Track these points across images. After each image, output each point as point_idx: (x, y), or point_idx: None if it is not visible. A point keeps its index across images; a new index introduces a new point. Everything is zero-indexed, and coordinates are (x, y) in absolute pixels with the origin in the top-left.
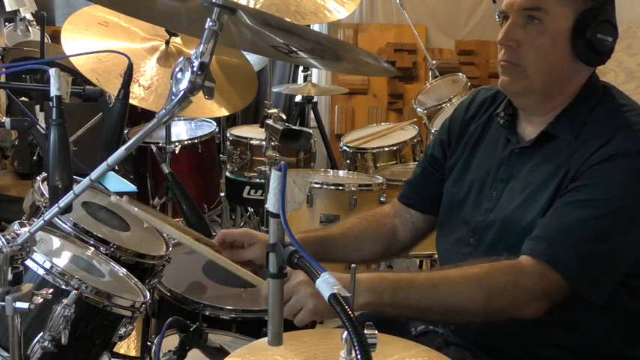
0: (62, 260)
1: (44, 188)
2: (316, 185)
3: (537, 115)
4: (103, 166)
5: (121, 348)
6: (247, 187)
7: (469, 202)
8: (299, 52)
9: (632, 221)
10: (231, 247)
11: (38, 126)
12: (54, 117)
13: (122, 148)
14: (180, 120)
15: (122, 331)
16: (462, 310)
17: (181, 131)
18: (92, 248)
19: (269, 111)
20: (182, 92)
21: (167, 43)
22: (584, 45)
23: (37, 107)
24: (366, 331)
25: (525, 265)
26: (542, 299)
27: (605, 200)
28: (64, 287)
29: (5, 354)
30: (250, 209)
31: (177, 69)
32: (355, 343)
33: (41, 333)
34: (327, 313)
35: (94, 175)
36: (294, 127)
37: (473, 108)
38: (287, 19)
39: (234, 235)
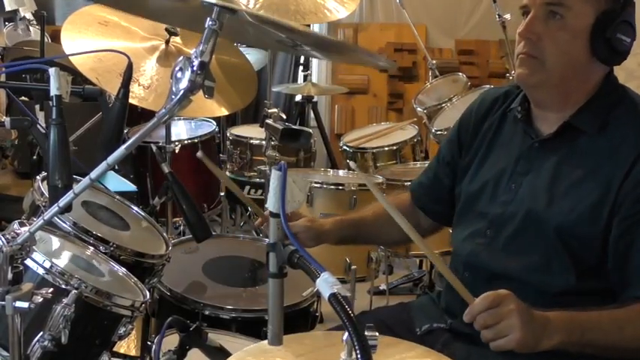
0: (62, 260)
1: (44, 188)
2: (316, 185)
3: (552, 112)
4: (102, 165)
5: (121, 347)
6: (247, 187)
7: (485, 196)
8: (303, 46)
9: None
10: None
11: (38, 125)
12: (54, 116)
13: (122, 148)
14: (180, 119)
15: (122, 330)
16: None
17: (181, 131)
18: (92, 247)
19: (269, 110)
20: (182, 91)
21: (167, 42)
22: (603, 44)
23: (37, 107)
24: (366, 333)
25: None
26: None
27: None
28: (63, 287)
29: (5, 353)
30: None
31: (177, 68)
32: (356, 344)
33: (41, 332)
34: (530, 347)
35: (93, 174)
36: (294, 127)
37: (484, 107)
38: (286, 22)
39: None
